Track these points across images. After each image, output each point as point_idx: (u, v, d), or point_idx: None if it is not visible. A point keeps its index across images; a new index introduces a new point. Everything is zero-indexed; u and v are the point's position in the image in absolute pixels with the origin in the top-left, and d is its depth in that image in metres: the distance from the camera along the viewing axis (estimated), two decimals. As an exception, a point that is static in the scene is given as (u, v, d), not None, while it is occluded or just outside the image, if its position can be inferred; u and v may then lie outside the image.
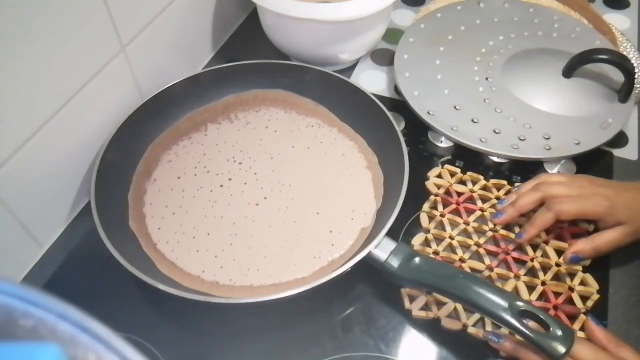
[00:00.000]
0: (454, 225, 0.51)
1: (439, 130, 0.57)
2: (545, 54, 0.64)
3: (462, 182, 0.55)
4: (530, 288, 0.47)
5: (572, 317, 0.45)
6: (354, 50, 0.65)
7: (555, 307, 0.45)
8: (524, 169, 0.56)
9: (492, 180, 0.54)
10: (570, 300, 0.46)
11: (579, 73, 0.60)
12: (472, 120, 0.58)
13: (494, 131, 0.57)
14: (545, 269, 0.48)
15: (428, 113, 0.58)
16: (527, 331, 0.38)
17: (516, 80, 0.61)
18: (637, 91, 0.59)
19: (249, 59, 0.61)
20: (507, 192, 0.53)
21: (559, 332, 0.38)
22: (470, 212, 0.52)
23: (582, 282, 0.47)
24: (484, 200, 0.53)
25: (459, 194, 0.53)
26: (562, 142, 0.55)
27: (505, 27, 0.68)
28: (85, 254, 0.50)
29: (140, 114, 0.54)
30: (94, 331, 0.16)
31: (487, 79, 0.62)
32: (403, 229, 0.51)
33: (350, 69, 0.68)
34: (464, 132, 0.57)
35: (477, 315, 0.45)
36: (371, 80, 0.67)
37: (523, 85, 0.61)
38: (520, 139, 0.56)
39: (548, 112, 0.58)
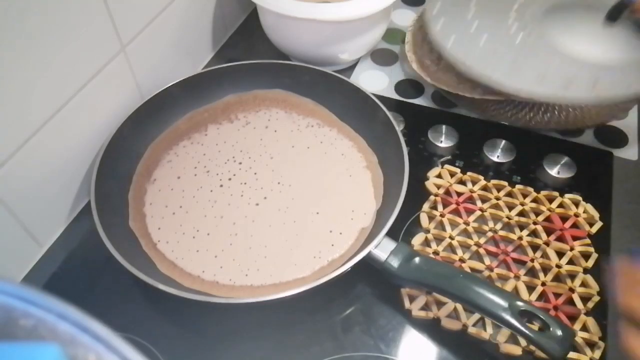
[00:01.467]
0: (454, 225, 0.51)
1: (478, 76, 0.53)
2: (584, 5, 0.60)
3: (462, 182, 0.55)
4: (530, 288, 0.47)
5: (572, 318, 0.45)
6: (354, 50, 0.65)
7: (556, 308, 0.45)
8: (524, 169, 0.56)
9: (492, 181, 0.54)
10: (570, 301, 0.46)
11: (624, 17, 0.56)
12: (513, 68, 0.53)
13: (537, 78, 0.52)
14: (545, 270, 0.48)
15: (464, 63, 0.55)
16: (527, 331, 0.38)
17: (558, 29, 0.57)
18: None
19: (249, 59, 0.61)
20: (508, 193, 0.54)
21: (559, 332, 0.38)
22: (470, 212, 0.52)
23: (583, 284, 0.47)
24: (484, 200, 0.53)
25: (459, 194, 0.53)
26: (612, 85, 0.51)
27: None
28: (85, 254, 0.50)
29: (140, 114, 0.54)
30: (94, 331, 0.16)
31: (523, 28, 0.58)
32: (403, 229, 0.51)
33: (350, 69, 0.68)
34: (506, 81, 0.53)
35: (477, 315, 0.45)
36: (371, 80, 0.67)
37: (567, 34, 0.57)
38: (565, 86, 0.51)
39: (594, 60, 0.54)
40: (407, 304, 0.46)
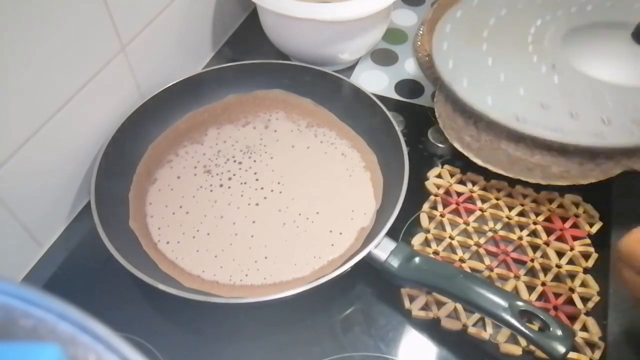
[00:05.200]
0: (454, 225, 0.51)
1: (502, 123, 0.48)
2: (604, 26, 0.56)
3: (462, 182, 0.55)
4: (530, 288, 0.47)
5: (572, 318, 0.45)
6: (354, 50, 0.65)
7: (555, 308, 0.45)
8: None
9: (492, 181, 0.54)
10: (570, 301, 0.46)
11: None
12: (541, 106, 0.48)
13: (571, 115, 0.48)
14: (545, 270, 0.48)
15: (486, 104, 0.49)
16: (527, 331, 0.38)
17: (583, 56, 0.53)
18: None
19: (249, 59, 0.61)
20: (508, 194, 0.54)
21: (559, 332, 0.38)
22: (470, 212, 0.52)
23: (583, 284, 0.47)
24: (484, 200, 0.53)
25: (459, 194, 0.54)
26: None
27: (550, 6, 0.59)
28: (85, 254, 0.50)
29: (140, 114, 0.54)
30: (94, 331, 0.16)
31: (545, 58, 0.53)
32: (403, 229, 0.51)
33: (350, 69, 0.68)
34: (534, 121, 0.48)
35: (477, 315, 0.45)
36: (371, 80, 0.67)
37: (593, 60, 0.52)
38: (604, 123, 0.47)
39: (629, 86, 0.49)
40: (407, 304, 0.46)
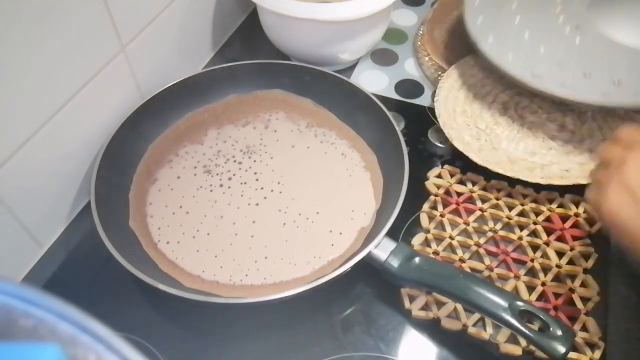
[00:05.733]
0: (454, 225, 0.51)
1: (518, 79, 0.50)
2: None
3: (462, 183, 0.55)
4: (530, 288, 0.47)
5: (573, 318, 0.45)
6: (354, 50, 0.65)
7: (555, 308, 0.45)
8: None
9: (492, 181, 0.54)
10: (570, 301, 0.46)
11: None
12: (558, 65, 0.51)
13: (584, 74, 0.49)
14: (545, 270, 0.48)
15: (507, 60, 0.52)
16: (527, 331, 0.38)
17: (610, 19, 0.54)
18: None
19: (249, 59, 0.61)
20: (508, 194, 0.54)
21: (559, 332, 0.38)
22: (470, 212, 0.52)
23: (583, 284, 0.47)
24: (484, 200, 0.53)
25: (459, 194, 0.54)
26: None
27: None
28: (85, 254, 0.50)
29: (140, 114, 0.54)
30: (94, 331, 0.16)
31: (571, 19, 0.55)
32: (403, 229, 0.51)
33: (350, 69, 0.68)
34: (548, 78, 0.50)
35: (477, 315, 0.45)
36: (371, 80, 0.67)
37: (620, 24, 0.53)
38: (615, 84, 0.48)
39: None
40: (407, 304, 0.46)
